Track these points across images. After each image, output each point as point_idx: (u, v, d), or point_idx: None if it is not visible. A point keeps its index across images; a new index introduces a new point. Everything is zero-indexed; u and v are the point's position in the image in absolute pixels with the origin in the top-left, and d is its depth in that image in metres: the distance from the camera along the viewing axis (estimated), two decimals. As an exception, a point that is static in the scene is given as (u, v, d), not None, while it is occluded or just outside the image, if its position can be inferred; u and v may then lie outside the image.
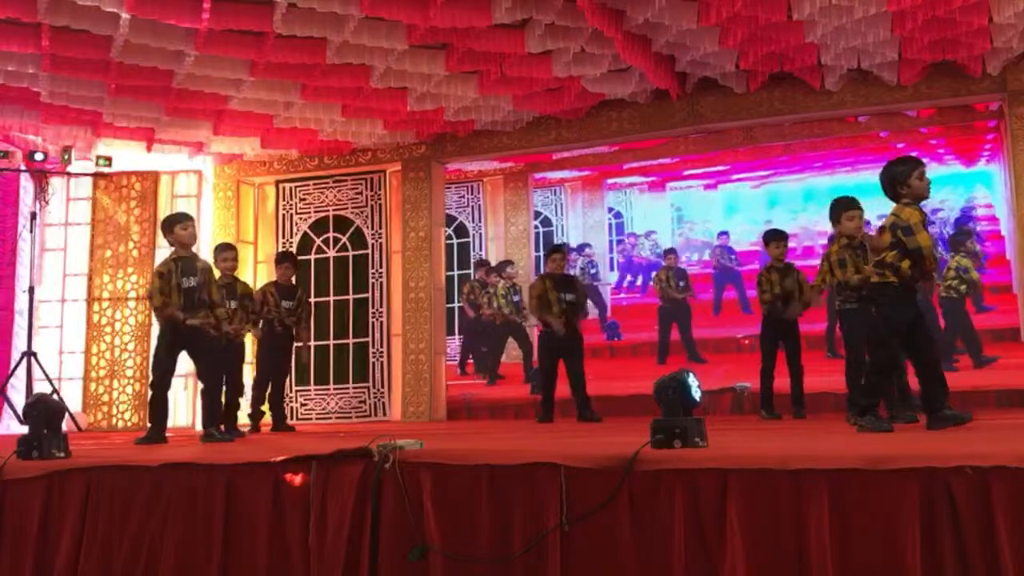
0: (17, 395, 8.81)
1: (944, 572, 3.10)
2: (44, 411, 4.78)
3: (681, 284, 12.07)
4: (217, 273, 7.14)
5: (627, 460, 3.51)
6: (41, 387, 8.45)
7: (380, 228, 9.71)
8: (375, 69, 7.33)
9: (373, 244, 9.73)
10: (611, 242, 17.47)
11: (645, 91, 8.20)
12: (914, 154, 10.49)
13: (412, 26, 6.58)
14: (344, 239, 9.86)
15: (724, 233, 15.95)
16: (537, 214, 15.68)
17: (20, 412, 8.48)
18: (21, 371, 8.71)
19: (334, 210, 9.91)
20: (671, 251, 12.96)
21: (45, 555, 4.33)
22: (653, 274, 13.11)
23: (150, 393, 6.62)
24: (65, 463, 4.52)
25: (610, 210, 17.68)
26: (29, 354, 8.58)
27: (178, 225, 6.55)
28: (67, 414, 5.64)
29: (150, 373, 7.12)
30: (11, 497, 4.44)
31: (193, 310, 6.43)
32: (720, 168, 15.79)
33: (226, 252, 7.69)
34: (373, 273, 9.69)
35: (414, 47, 6.93)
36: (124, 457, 4.63)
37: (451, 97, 8.03)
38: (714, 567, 3.35)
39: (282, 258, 8.44)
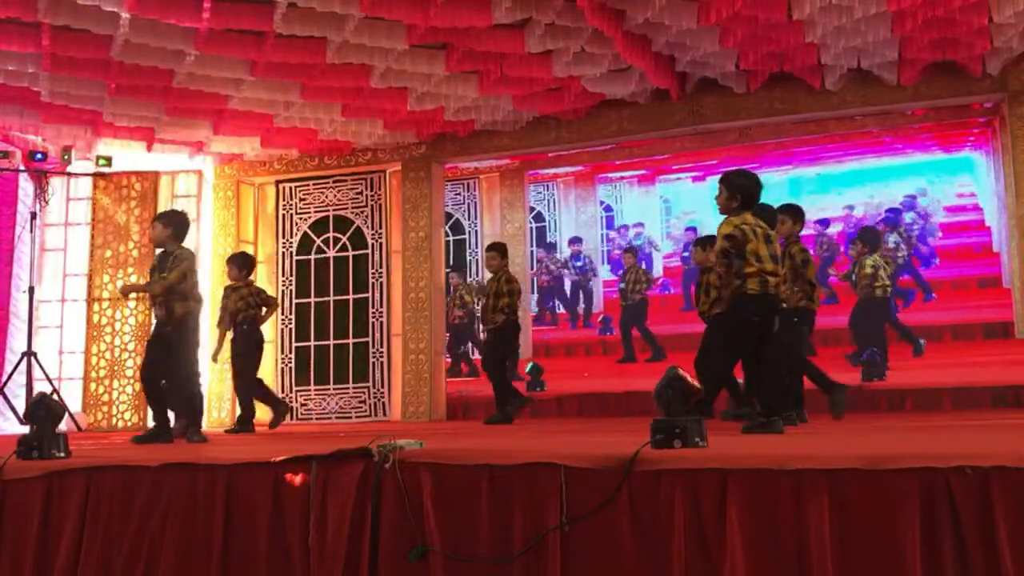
0: (16, 395, 8.80)
1: (944, 572, 3.10)
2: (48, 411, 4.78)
3: (628, 283, 12.21)
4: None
5: (627, 460, 3.51)
6: (41, 387, 8.45)
7: (380, 228, 9.71)
8: (375, 69, 7.34)
9: (373, 244, 9.73)
10: (602, 236, 17.50)
11: (645, 91, 8.20)
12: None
13: (412, 26, 6.58)
14: (344, 239, 9.86)
15: (691, 229, 16.12)
16: (530, 209, 15.71)
17: (20, 412, 8.49)
18: (21, 371, 8.71)
19: (334, 210, 9.91)
20: (628, 250, 13.02)
21: (45, 555, 4.33)
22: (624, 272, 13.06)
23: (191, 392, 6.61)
24: (65, 463, 4.52)
25: (600, 203, 17.70)
26: (29, 354, 8.57)
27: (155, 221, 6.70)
28: (67, 414, 5.64)
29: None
30: (11, 497, 4.43)
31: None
32: (710, 162, 15.78)
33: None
34: (373, 273, 9.69)
35: (414, 47, 6.93)
36: (124, 457, 4.63)
37: (451, 97, 8.03)
38: (714, 567, 3.34)
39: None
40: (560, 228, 16.02)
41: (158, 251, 6.67)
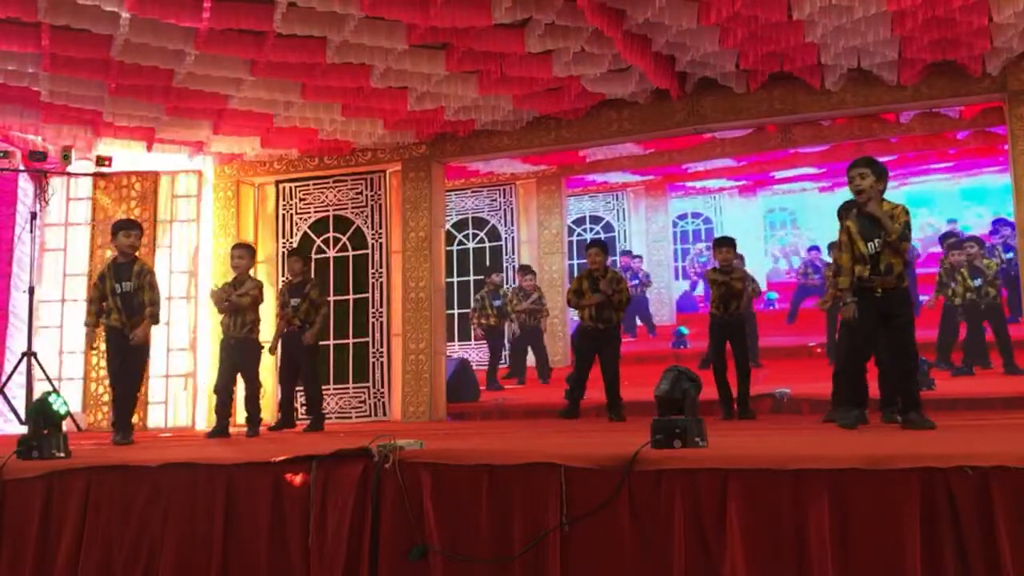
0: (16, 395, 8.79)
1: (944, 572, 3.10)
2: None
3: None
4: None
5: (627, 460, 3.51)
6: (41, 387, 8.44)
7: (380, 228, 9.70)
8: (375, 69, 7.33)
9: (373, 244, 9.73)
10: (676, 251, 16.99)
11: (645, 91, 8.20)
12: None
13: (412, 26, 6.58)
14: (344, 239, 9.85)
15: (815, 248, 14.74)
16: (598, 219, 15.57)
17: (21, 412, 8.49)
18: (21, 371, 8.70)
19: (334, 210, 9.91)
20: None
21: (45, 555, 4.33)
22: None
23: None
24: (65, 463, 4.52)
25: (697, 215, 17.20)
26: (29, 354, 8.57)
27: (121, 232, 6.99)
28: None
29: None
30: (11, 497, 4.44)
31: (130, 314, 6.84)
32: (809, 170, 14.49)
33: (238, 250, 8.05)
34: (373, 273, 9.69)
35: (414, 47, 6.93)
36: (124, 457, 4.63)
37: (451, 97, 8.02)
38: (714, 567, 3.35)
39: (289, 252, 8.89)
40: (630, 239, 15.66)
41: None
